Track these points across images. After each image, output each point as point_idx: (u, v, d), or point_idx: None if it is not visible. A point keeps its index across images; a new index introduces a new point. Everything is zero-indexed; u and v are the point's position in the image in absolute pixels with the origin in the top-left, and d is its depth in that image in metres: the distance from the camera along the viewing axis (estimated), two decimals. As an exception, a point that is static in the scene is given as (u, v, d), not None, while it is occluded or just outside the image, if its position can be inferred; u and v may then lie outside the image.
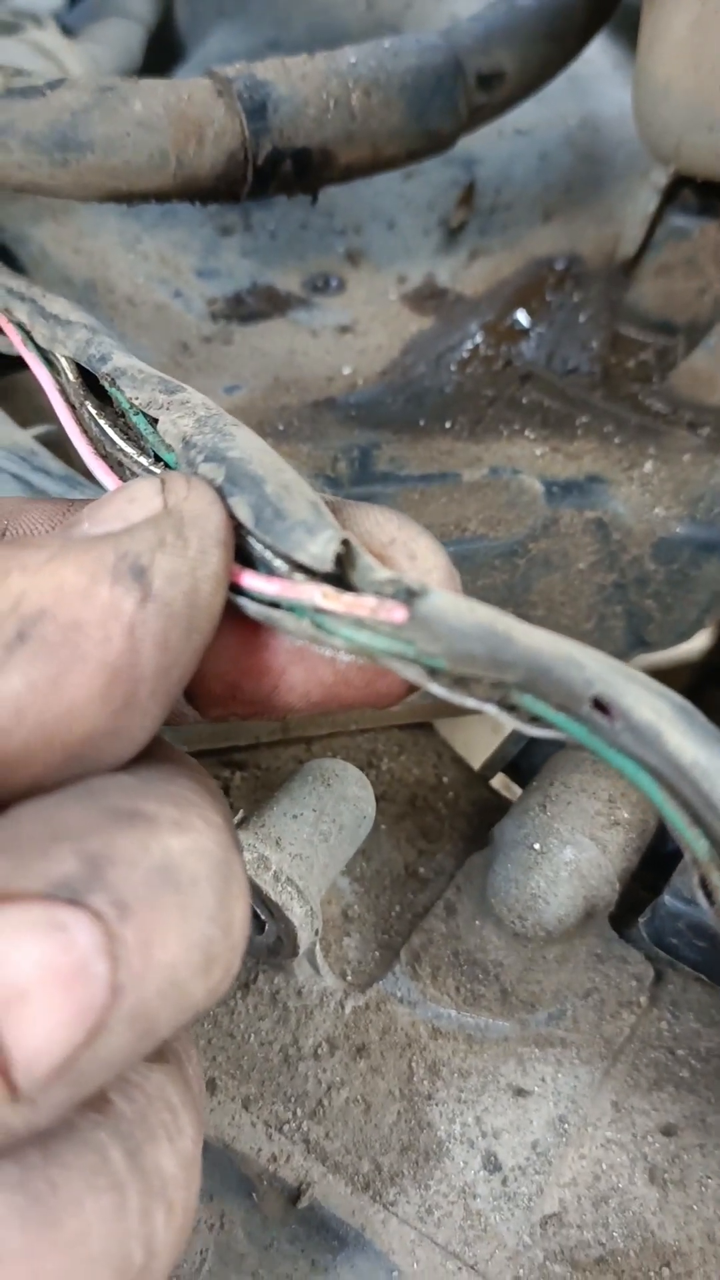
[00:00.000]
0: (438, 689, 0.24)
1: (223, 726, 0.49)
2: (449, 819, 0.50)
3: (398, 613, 0.23)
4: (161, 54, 0.75)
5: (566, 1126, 0.41)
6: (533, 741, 0.47)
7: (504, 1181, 0.40)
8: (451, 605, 0.23)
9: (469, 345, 0.56)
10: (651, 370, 0.55)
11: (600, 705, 0.23)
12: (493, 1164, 0.40)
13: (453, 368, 0.55)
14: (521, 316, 0.57)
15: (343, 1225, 0.39)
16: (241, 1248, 0.39)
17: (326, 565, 0.24)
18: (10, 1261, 0.18)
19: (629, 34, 0.65)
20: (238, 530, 0.25)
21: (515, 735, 0.48)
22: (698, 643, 0.79)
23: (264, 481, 0.25)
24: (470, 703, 0.24)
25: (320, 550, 0.24)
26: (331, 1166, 0.40)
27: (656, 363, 0.55)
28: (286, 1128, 0.40)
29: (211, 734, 0.50)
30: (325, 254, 0.60)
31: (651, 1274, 0.39)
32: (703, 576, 0.50)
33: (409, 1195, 0.39)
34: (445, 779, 0.52)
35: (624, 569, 0.51)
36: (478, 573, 0.49)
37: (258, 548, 0.25)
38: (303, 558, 0.24)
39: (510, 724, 0.24)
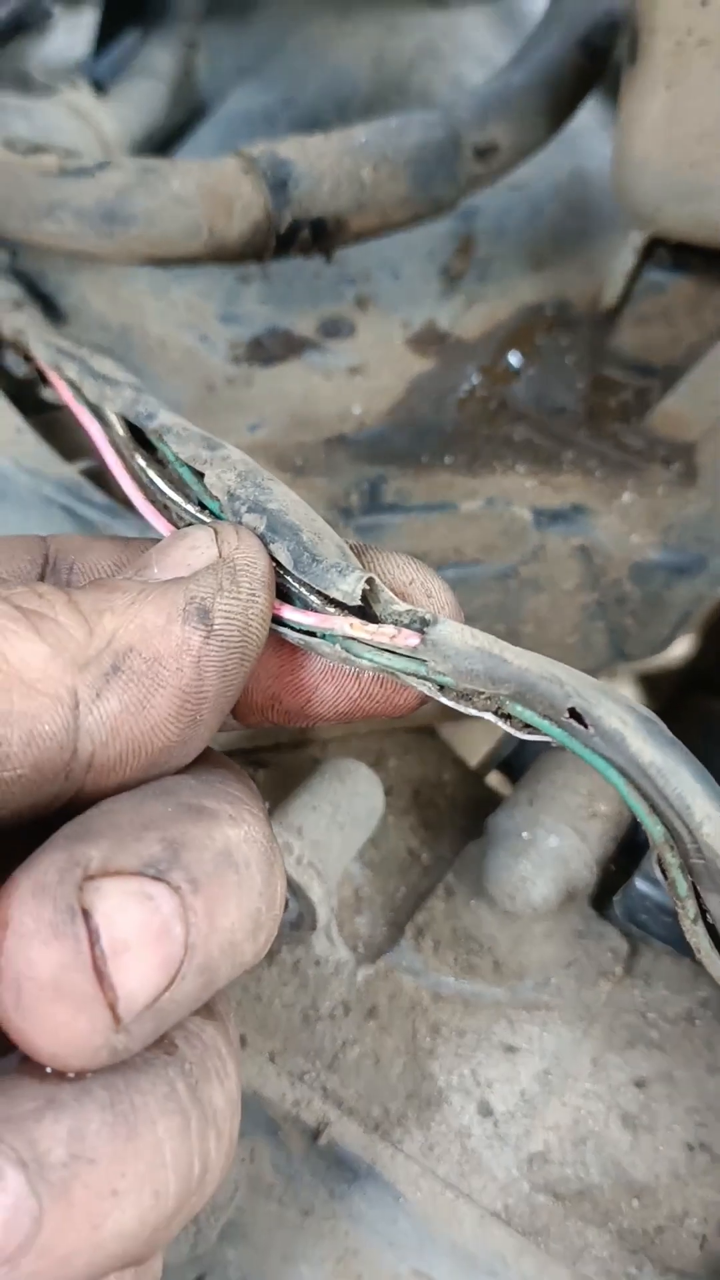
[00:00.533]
0: (445, 701, 0.30)
1: (248, 730, 0.56)
2: (448, 812, 0.56)
3: (413, 639, 0.30)
4: (185, 110, 0.81)
5: (550, 1078, 0.47)
6: (523, 744, 0.54)
7: (495, 1125, 0.46)
8: (457, 632, 0.30)
9: (466, 386, 0.62)
10: (631, 410, 0.61)
11: (576, 715, 0.29)
12: (486, 1110, 0.46)
13: (452, 406, 0.61)
14: (514, 359, 0.63)
15: (356, 1160, 0.45)
16: (269, 1178, 0.45)
17: (355, 600, 0.30)
18: (104, 1163, 0.24)
19: (615, 92, 0.71)
20: (279, 571, 0.32)
21: (507, 738, 0.54)
22: (679, 650, 0.85)
23: (300, 530, 0.31)
24: (471, 712, 0.30)
25: (350, 588, 0.30)
26: (346, 1110, 0.46)
27: (635, 403, 0.61)
28: (307, 1077, 0.47)
29: (240, 736, 0.56)
30: (337, 301, 0.66)
31: (623, 1205, 0.45)
32: (674, 597, 0.56)
33: (413, 1135, 0.45)
34: (445, 776, 0.58)
35: (605, 590, 0.57)
36: (474, 594, 0.55)
37: (295, 586, 0.31)
38: (335, 594, 0.30)
39: (505, 729, 0.30)
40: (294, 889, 0.46)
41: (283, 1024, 0.48)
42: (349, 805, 0.49)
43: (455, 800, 0.57)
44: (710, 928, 0.34)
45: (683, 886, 0.33)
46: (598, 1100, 0.48)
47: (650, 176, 0.54)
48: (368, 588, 0.30)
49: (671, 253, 0.59)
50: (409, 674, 0.30)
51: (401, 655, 0.30)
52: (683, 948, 0.48)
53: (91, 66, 0.82)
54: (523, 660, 0.29)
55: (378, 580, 0.31)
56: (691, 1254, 0.44)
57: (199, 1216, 0.44)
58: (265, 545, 0.32)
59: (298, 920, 0.48)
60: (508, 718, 0.30)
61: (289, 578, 0.32)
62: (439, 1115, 0.46)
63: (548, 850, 0.49)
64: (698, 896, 0.33)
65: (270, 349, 0.65)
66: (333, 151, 0.53)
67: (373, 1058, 0.47)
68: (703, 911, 0.34)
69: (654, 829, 0.31)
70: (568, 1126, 0.47)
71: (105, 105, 0.74)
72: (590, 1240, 0.44)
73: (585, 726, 0.29)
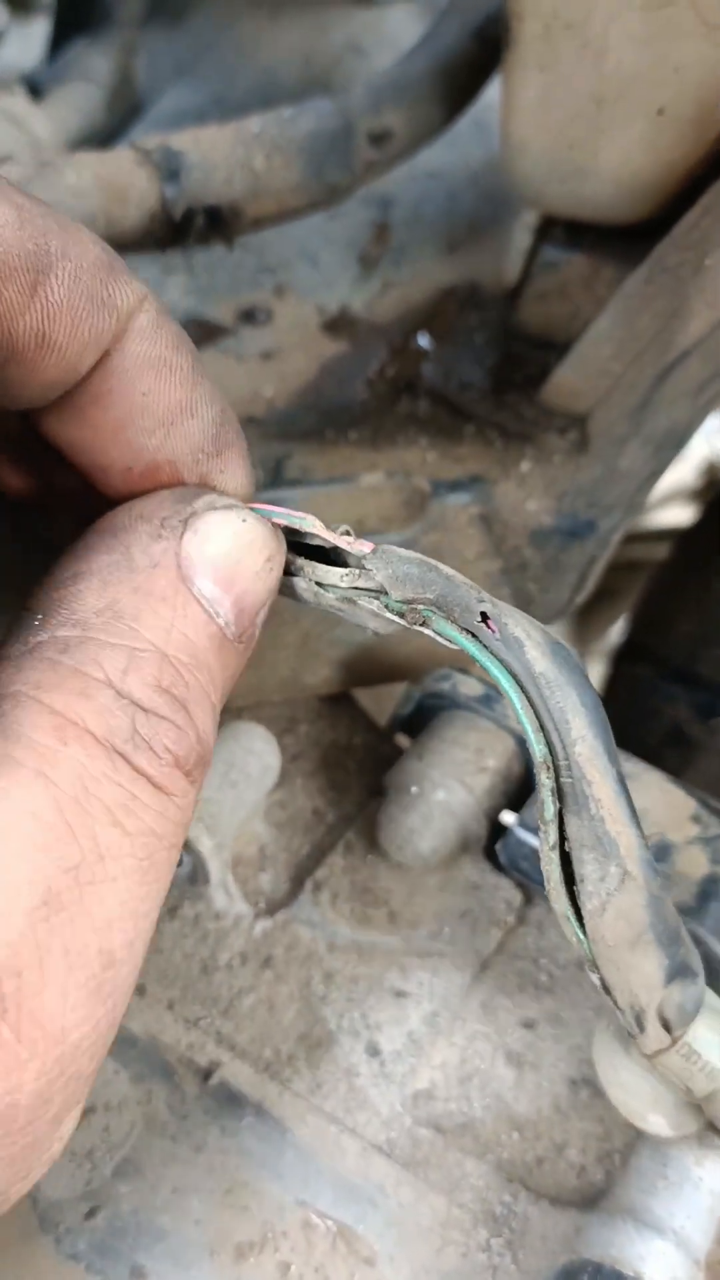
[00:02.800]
0: (382, 614, 0.35)
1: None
2: (356, 773, 0.58)
3: (366, 546, 0.35)
4: (122, 111, 0.83)
5: (439, 1020, 0.49)
6: (421, 705, 0.56)
7: (382, 1064, 0.48)
8: (399, 549, 0.35)
9: (375, 366, 0.64)
10: (534, 384, 0.63)
11: (486, 618, 0.34)
12: (374, 1050, 0.49)
13: (361, 386, 0.63)
14: (423, 340, 0.65)
15: (246, 1099, 0.47)
16: (164, 1118, 0.48)
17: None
18: None
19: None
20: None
21: (405, 699, 0.56)
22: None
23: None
24: (399, 623, 0.35)
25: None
26: (239, 1053, 0.48)
27: (539, 377, 0.63)
28: (202, 1023, 0.49)
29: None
30: (256, 289, 0.69)
31: (503, 1137, 0.47)
32: (570, 561, 0.58)
33: (302, 1075, 0.48)
34: (356, 740, 0.60)
35: (507, 557, 0.59)
36: (376, 562, 0.58)
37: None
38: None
39: (427, 637, 0.35)
40: (186, 844, 0.48)
41: (181, 974, 0.50)
42: (242, 763, 0.51)
43: (364, 762, 0.59)
44: (565, 857, 0.37)
45: (550, 809, 0.36)
46: (485, 1040, 0.49)
47: (531, 158, 0.56)
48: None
49: (565, 231, 0.61)
50: (358, 589, 0.34)
51: (351, 575, 0.34)
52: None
53: (43, 73, 0.85)
54: (449, 570, 0.34)
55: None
56: (568, 1183, 0.46)
57: (94, 1153, 0.46)
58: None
59: (193, 874, 0.50)
60: (426, 626, 0.34)
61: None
62: (328, 1056, 0.48)
63: (435, 803, 0.51)
64: (561, 824, 0.36)
65: (190, 337, 0.67)
66: (226, 141, 0.56)
67: (267, 1004, 0.50)
68: (562, 839, 0.36)
69: (537, 746, 0.35)
70: (454, 1065, 0.49)
71: (40, 110, 0.77)
72: (468, 1171, 0.46)
73: (492, 630, 0.33)
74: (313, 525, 0.35)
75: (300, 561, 0.36)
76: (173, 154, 0.54)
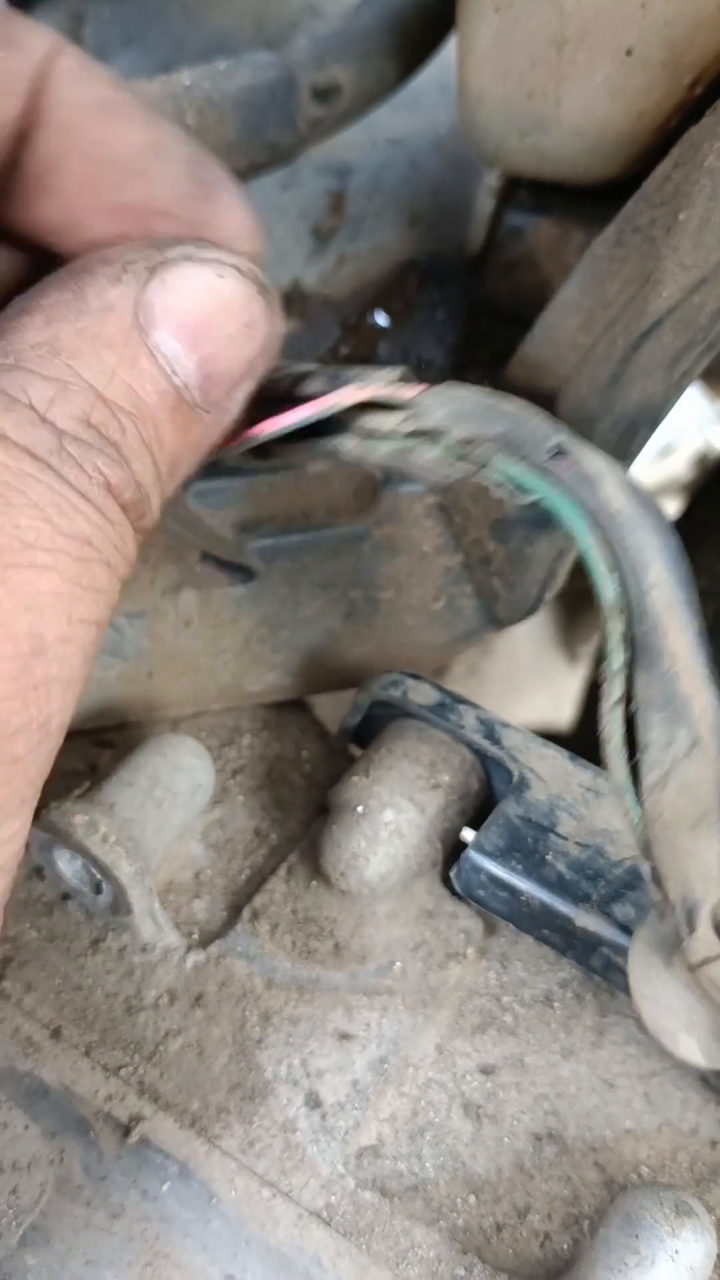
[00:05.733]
0: (438, 456, 0.32)
1: (92, 709, 0.53)
2: (303, 789, 0.53)
3: (416, 389, 0.32)
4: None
5: (386, 1067, 0.44)
6: (370, 713, 0.50)
7: (323, 1117, 0.43)
8: (454, 386, 0.32)
9: (327, 345, 0.59)
10: (500, 363, 0.58)
11: (561, 451, 0.30)
12: (314, 1101, 0.43)
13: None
14: (380, 318, 0.60)
15: (169, 1158, 0.42)
16: (79, 1180, 0.43)
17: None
18: None
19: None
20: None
21: (353, 708, 0.51)
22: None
23: None
24: (460, 467, 0.32)
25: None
26: (163, 1105, 0.43)
27: (505, 355, 0.58)
28: (123, 1071, 0.44)
29: (83, 716, 0.53)
30: (201, 265, 0.64)
31: (459, 1201, 0.42)
32: (536, 554, 0.53)
33: (233, 1130, 0.43)
34: (305, 753, 0.55)
35: (467, 550, 0.54)
36: (324, 558, 0.53)
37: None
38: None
39: (484, 480, 0.32)
40: (103, 870, 0.43)
41: (102, 1015, 0.45)
42: (169, 780, 0.46)
43: (312, 778, 0.54)
44: (629, 720, 0.31)
45: (616, 661, 0.31)
46: (439, 1089, 0.44)
47: (489, 110, 0.51)
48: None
49: (530, 194, 0.56)
50: (416, 433, 0.31)
51: (408, 419, 0.31)
52: (523, 924, 0.45)
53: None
54: (517, 403, 0.31)
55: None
56: (530, 1253, 0.41)
57: (-3, 1221, 0.41)
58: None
59: (115, 903, 0.45)
60: (484, 468, 0.32)
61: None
62: (263, 1108, 0.43)
63: (382, 824, 0.46)
64: (629, 678, 0.31)
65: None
66: (153, 95, 0.51)
67: (196, 1049, 0.44)
68: (627, 699, 0.31)
69: (609, 589, 0.31)
70: (404, 1118, 0.44)
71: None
72: (417, 1240, 0.41)
73: (567, 464, 0.30)
74: (350, 396, 0.32)
75: (347, 414, 0.33)
76: None
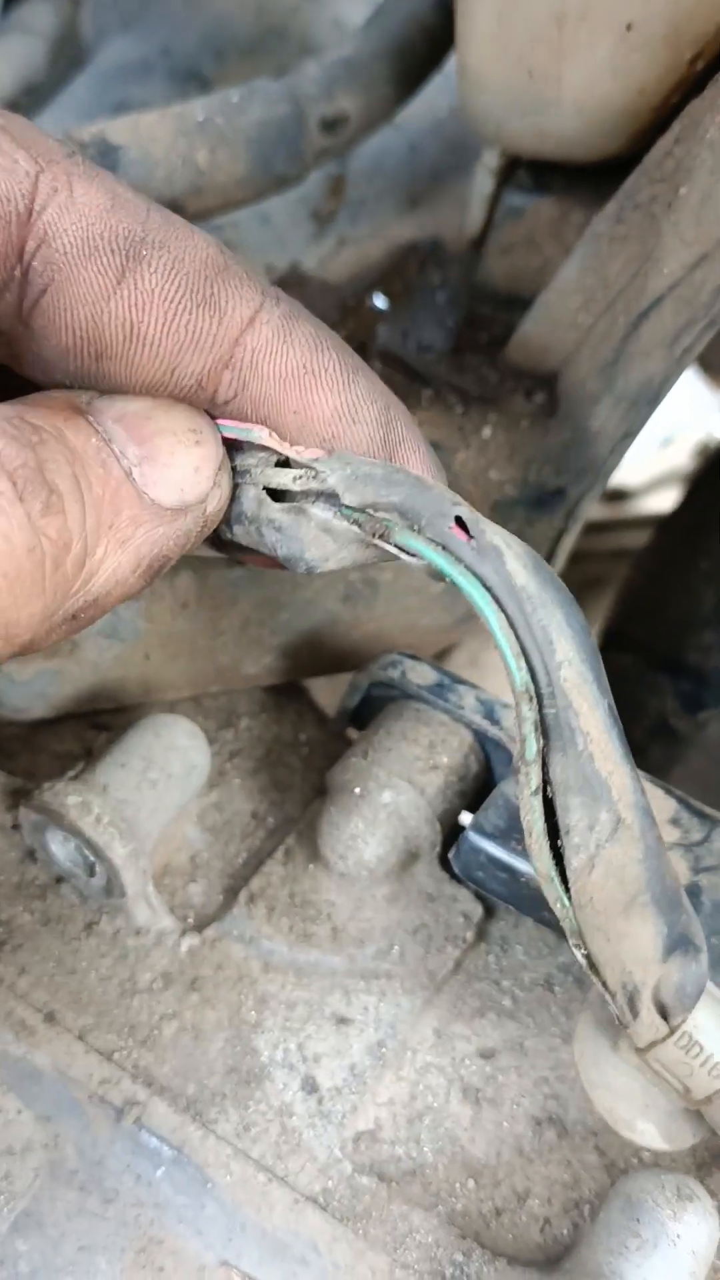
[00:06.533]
0: (336, 522, 0.31)
1: (87, 692, 0.52)
2: (301, 771, 0.52)
3: (318, 451, 0.31)
4: (66, 64, 0.78)
5: (384, 1051, 0.44)
6: (368, 694, 0.50)
7: (320, 1102, 0.43)
8: (359, 453, 0.32)
9: (326, 327, 0.58)
10: (500, 345, 0.57)
11: (461, 524, 0.30)
12: (310, 1086, 0.43)
13: (309, 349, 0.58)
14: (379, 300, 0.60)
15: (164, 1143, 0.41)
16: (72, 1164, 0.42)
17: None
18: None
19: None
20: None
21: (351, 689, 0.50)
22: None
23: None
24: (355, 532, 0.31)
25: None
26: (157, 1089, 0.42)
27: (505, 338, 0.57)
28: (118, 1055, 0.43)
29: (78, 699, 0.53)
30: (199, 248, 0.63)
31: (457, 1185, 0.42)
32: (536, 536, 0.53)
33: (229, 1115, 0.42)
34: (303, 736, 0.54)
35: (467, 533, 0.53)
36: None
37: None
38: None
39: (387, 550, 0.31)
40: (96, 852, 0.43)
41: (96, 998, 0.45)
42: (163, 760, 0.45)
43: (310, 760, 0.53)
44: (548, 804, 0.31)
45: (532, 749, 0.31)
46: (438, 1074, 0.44)
47: (490, 90, 0.51)
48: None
49: (530, 173, 0.56)
50: (309, 491, 0.31)
51: (303, 477, 0.31)
52: (522, 906, 0.44)
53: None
54: (418, 472, 0.31)
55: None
56: (530, 1238, 0.41)
57: (-10, 1206, 0.40)
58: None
59: (109, 886, 0.44)
60: (384, 538, 0.31)
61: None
62: (259, 1093, 0.43)
63: (381, 806, 0.45)
64: (544, 765, 0.31)
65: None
66: (167, 133, 0.50)
67: (191, 1033, 0.44)
68: (545, 783, 0.31)
69: (516, 672, 0.30)
70: (402, 1102, 0.43)
71: (-26, 64, 0.72)
72: (415, 1224, 0.40)
73: (468, 537, 0.29)
74: (261, 436, 0.31)
75: (249, 461, 0.32)
76: (110, 148, 0.49)
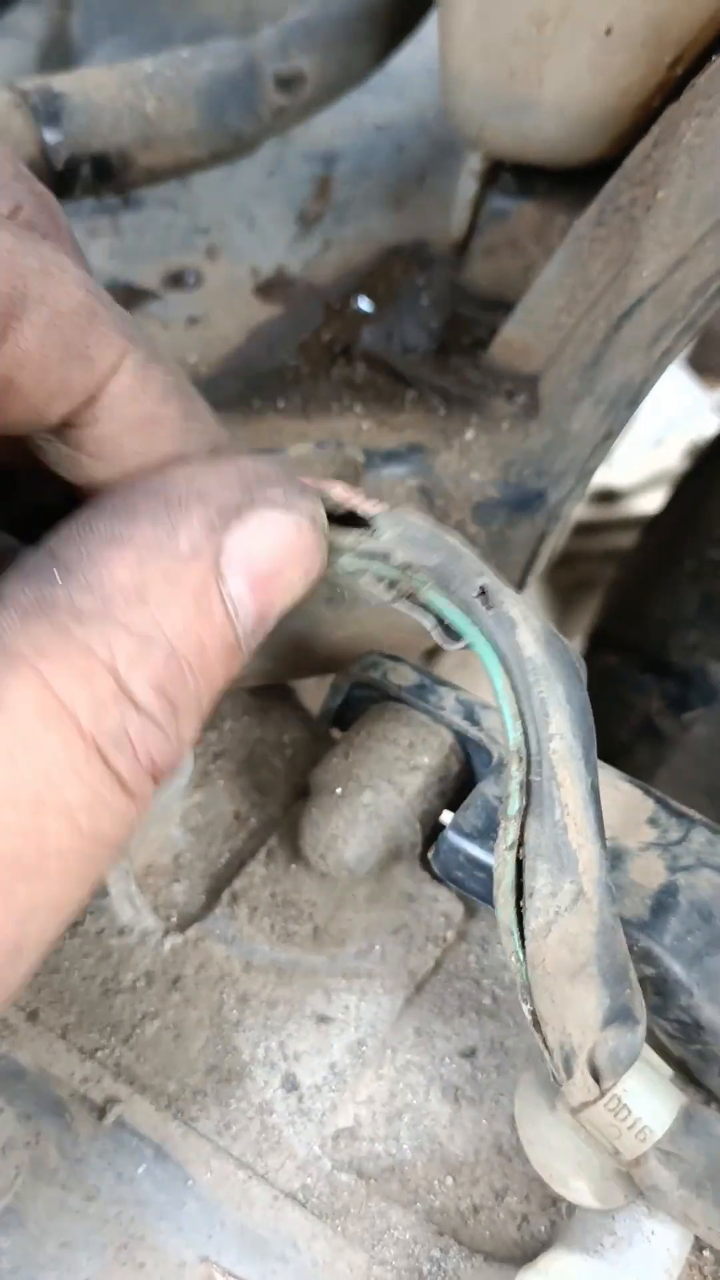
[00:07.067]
0: (374, 590, 0.33)
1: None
2: (284, 773, 0.53)
3: (379, 506, 0.33)
4: (56, 68, 0.78)
5: (365, 1049, 0.44)
6: (350, 696, 0.50)
7: (300, 1099, 0.43)
8: (411, 514, 0.33)
9: (310, 330, 0.59)
10: (483, 347, 0.57)
11: (484, 592, 0.31)
12: (291, 1084, 0.43)
13: (293, 352, 0.58)
14: (363, 303, 0.60)
15: (145, 1140, 0.42)
16: (54, 1162, 0.42)
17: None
18: None
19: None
20: None
21: (333, 690, 0.50)
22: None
23: None
24: (388, 596, 0.33)
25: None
26: (139, 1087, 0.43)
27: (489, 340, 0.58)
28: (100, 1053, 0.43)
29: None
30: (186, 252, 0.64)
31: (436, 1183, 0.42)
32: (518, 537, 0.53)
33: (209, 1112, 0.42)
34: (286, 737, 0.55)
35: (450, 534, 0.54)
36: (305, 541, 0.52)
37: None
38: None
39: (413, 613, 0.33)
40: (79, 852, 0.43)
41: (79, 997, 0.45)
42: (145, 763, 0.46)
43: (294, 762, 0.53)
44: (519, 864, 0.33)
45: (514, 806, 0.32)
46: (418, 1072, 0.44)
47: (470, 91, 0.51)
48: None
49: (515, 175, 0.56)
50: (365, 552, 0.32)
51: (363, 535, 0.32)
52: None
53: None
54: (457, 541, 0.33)
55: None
56: (507, 1234, 0.41)
57: (-29, 1203, 0.41)
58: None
59: (91, 886, 0.45)
60: (412, 598, 0.33)
61: None
62: (239, 1090, 0.43)
63: (361, 806, 0.46)
64: (523, 824, 0.32)
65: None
66: (113, 83, 0.50)
67: (173, 1031, 0.44)
68: (520, 842, 0.32)
69: (512, 734, 0.32)
70: (381, 1100, 0.43)
71: (-38, 66, 0.72)
72: (394, 1221, 0.40)
73: (488, 606, 0.31)
74: (332, 491, 0.33)
75: (323, 522, 0.33)
76: (53, 95, 0.49)
